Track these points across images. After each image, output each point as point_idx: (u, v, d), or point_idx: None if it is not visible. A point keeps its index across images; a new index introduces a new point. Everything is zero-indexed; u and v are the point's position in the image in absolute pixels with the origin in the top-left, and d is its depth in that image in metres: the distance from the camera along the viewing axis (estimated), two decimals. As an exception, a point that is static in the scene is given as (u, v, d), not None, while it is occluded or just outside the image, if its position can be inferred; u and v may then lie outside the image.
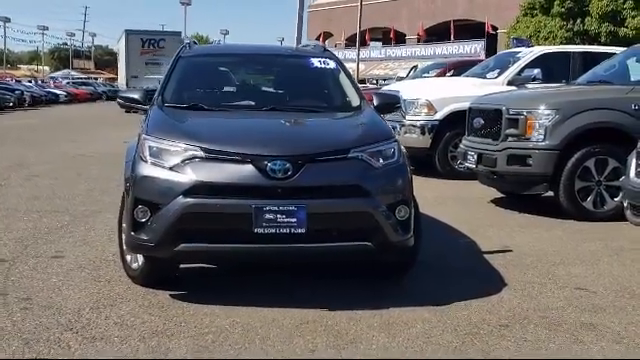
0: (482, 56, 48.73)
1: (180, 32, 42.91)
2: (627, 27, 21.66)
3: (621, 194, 6.91)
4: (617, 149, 8.74)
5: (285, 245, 4.99)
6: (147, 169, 5.15)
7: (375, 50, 62.30)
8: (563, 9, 22.66)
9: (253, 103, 6.29)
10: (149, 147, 5.23)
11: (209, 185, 4.97)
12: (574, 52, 13.25)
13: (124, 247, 5.75)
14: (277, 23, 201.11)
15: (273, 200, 4.94)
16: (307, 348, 4.44)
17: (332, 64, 6.74)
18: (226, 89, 6.67)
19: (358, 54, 38.97)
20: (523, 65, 12.68)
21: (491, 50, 52.07)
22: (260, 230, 4.93)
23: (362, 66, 50.83)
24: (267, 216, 4.92)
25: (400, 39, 59.12)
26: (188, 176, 5.00)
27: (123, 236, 5.59)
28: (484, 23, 51.60)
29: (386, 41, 61.76)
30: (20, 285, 5.61)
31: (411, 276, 5.93)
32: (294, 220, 4.93)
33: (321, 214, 5.00)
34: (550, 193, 9.04)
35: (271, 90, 6.73)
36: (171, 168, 5.08)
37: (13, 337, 4.49)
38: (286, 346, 4.45)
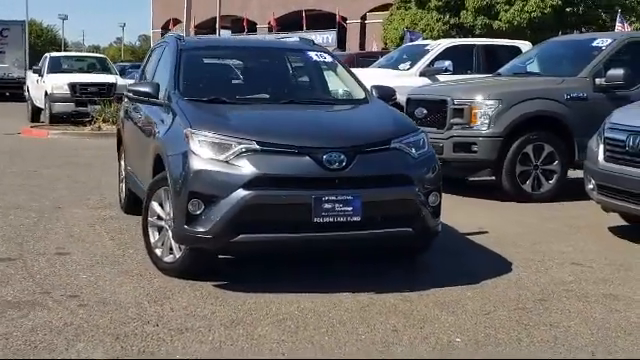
0: (335, 47, 50.08)
1: (24, 21, 40.96)
2: (501, 20, 23.01)
3: (586, 176, 7.57)
4: (552, 136, 9.52)
5: (342, 233, 5.24)
6: (200, 163, 5.21)
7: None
8: (440, 3, 23.75)
9: (267, 96, 6.44)
10: (199, 141, 5.29)
11: (269, 177, 5.12)
12: (477, 45, 14.06)
13: (152, 240, 5.81)
14: (119, 9, 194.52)
15: (330, 190, 5.16)
16: (390, 328, 4.71)
17: (329, 58, 6.99)
18: (236, 82, 6.76)
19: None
20: (433, 57, 13.33)
21: (343, 41, 53.55)
22: (319, 219, 5.14)
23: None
24: (326, 205, 5.14)
25: (252, 28, 59.25)
26: (247, 169, 5.12)
27: (168, 229, 5.61)
28: (334, 13, 52.76)
29: (236, 29, 61.68)
30: (53, 282, 5.53)
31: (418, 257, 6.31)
32: (350, 209, 5.18)
33: (374, 202, 5.28)
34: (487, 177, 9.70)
35: (280, 83, 6.87)
36: (226, 161, 5.18)
37: (97, 333, 4.49)
38: (369, 327, 4.70)
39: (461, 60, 13.63)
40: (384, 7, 52.32)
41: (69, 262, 6.09)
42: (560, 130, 9.55)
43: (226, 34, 63.91)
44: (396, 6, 28.00)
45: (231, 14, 59.76)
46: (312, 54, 6.98)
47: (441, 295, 5.38)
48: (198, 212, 5.19)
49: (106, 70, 22.51)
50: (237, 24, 60.40)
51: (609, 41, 10.04)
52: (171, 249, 5.68)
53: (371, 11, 52.60)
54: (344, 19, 53.60)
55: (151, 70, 7.48)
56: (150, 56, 7.99)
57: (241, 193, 5.07)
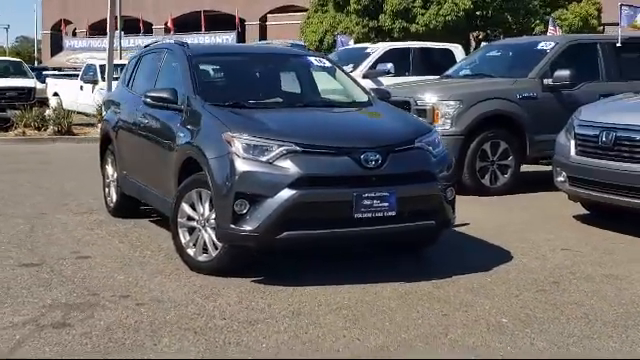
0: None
1: None
2: (418, 24, 23.82)
3: (556, 169, 8.20)
4: (506, 133, 10.17)
5: (380, 227, 5.63)
6: (245, 165, 5.48)
7: (123, 40, 61.02)
8: (359, 6, 24.34)
9: (281, 100, 6.74)
10: (241, 144, 5.55)
11: (313, 177, 5.45)
12: (414, 48, 14.68)
13: (183, 241, 6.03)
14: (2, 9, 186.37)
15: (369, 187, 5.54)
16: (439, 313, 5.12)
17: (328, 63, 7.35)
18: (248, 87, 7.00)
19: (120, 44, 38.21)
20: (374, 60, 13.84)
21: (242, 42, 53.66)
22: (359, 215, 5.52)
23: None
24: (365, 202, 5.52)
25: (148, 29, 58.56)
26: (291, 170, 5.43)
27: (201, 229, 5.84)
28: (232, 15, 52.87)
29: (131, 31, 60.75)
30: (94, 284, 5.68)
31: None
32: (386, 204, 5.58)
33: (406, 198, 5.69)
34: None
35: (290, 88, 7.17)
36: (270, 163, 5.47)
37: (173, 329, 4.72)
38: (420, 313, 5.10)
39: (399, 62, 14.22)
40: (284, 9, 52.94)
41: (95, 265, 6.23)
42: (514, 128, 10.22)
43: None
44: (313, 9, 28.47)
45: (125, 15, 58.76)
46: (312, 59, 7.32)
47: (465, 282, 5.83)
48: (244, 211, 5.46)
49: (22, 74, 22.00)
50: (132, 25, 59.51)
51: (552, 44, 10.79)
52: (205, 248, 5.91)
53: (270, 13, 53.03)
54: (242, 21, 53.75)
55: (146, 77, 7.62)
56: (138, 64, 8.09)
57: (288, 192, 5.37)
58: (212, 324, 4.83)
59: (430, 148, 5.99)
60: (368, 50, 14.25)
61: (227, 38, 53.17)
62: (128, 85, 8.15)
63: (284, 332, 4.72)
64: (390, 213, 5.60)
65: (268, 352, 4.42)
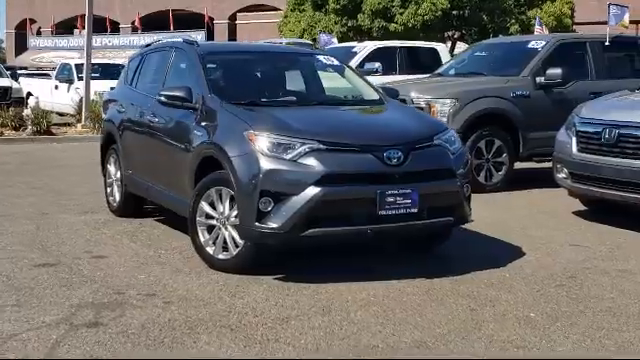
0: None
1: None
2: (396, 23, 23.95)
3: (556, 166, 8.33)
4: (500, 131, 10.29)
5: (402, 223, 5.68)
6: (269, 163, 5.50)
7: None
8: (338, 6, 24.42)
9: (294, 98, 6.76)
10: (265, 142, 5.57)
11: (337, 174, 5.49)
12: (400, 47, 14.77)
13: (202, 240, 6.03)
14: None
15: (392, 185, 5.59)
16: (466, 308, 5.19)
17: (336, 62, 7.38)
18: (262, 85, 7.01)
19: (89, 42, 37.91)
20: (362, 59, 13.90)
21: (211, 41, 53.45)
22: (383, 212, 5.57)
23: (76, 54, 49.31)
24: (389, 199, 5.57)
25: (115, 28, 58.10)
26: (316, 167, 5.46)
27: (221, 227, 5.86)
28: (200, 14, 52.63)
29: (98, 30, 60.17)
30: (117, 283, 5.66)
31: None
32: (409, 201, 5.64)
33: (427, 194, 5.75)
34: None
35: (302, 86, 7.19)
36: (294, 161, 5.49)
37: (209, 326, 4.73)
38: (448, 309, 5.16)
39: (386, 61, 14.30)
40: (253, 8, 52.85)
41: (113, 264, 6.20)
42: (507, 125, 10.33)
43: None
44: (290, 8, 28.48)
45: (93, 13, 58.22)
46: (322, 58, 7.36)
47: (485, 278, 5.91)
48: (269, 209, 5.48)
49: (-4, 74, 21.76)
50: (99, 24, 58.93)
51: (543, 43, 10.93)
52: (225, 246, 5.91)
53: (240, 11, 52.90)
54: (211, 19, 53.53)
55: (154, 77, 7.59)
56: (142, 63, 8.05)
57: (313, 190, 5.40)
58: (246, 321, 4.85)
59: (448, 145, 6.05)
60: (355, 49, 14.31)
61: (196, 37, 52.63)
62: (132, 84, 8.10)
63: (319, 328, 4.74)
64: (412, 210, 5.65)
65: (308, 348, 4.44)
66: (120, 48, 54.60)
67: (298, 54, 7.60)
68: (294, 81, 7.25)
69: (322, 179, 5.43)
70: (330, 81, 7.42)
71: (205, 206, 6.01)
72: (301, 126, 5.78)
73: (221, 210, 5.90)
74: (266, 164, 5.50)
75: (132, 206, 8.01)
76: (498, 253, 6.72)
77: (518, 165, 10.69)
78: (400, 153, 5.64)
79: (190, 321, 4.83)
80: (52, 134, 18.34)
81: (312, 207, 5.41)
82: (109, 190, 8.37)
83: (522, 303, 5.31)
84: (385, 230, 5.67)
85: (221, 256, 5.95)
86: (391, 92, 7.29)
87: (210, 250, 6.00)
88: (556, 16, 25.48)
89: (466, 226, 7.47)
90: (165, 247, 6.78)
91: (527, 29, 25.33)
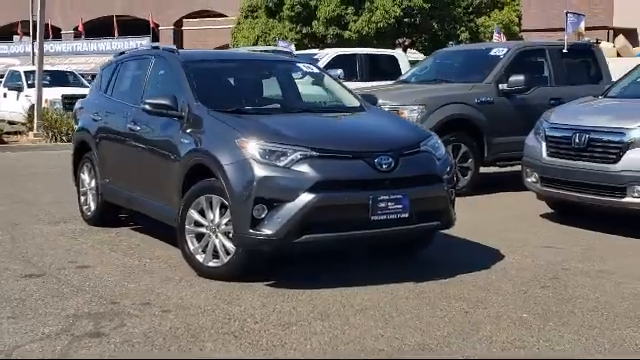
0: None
1: None
2: (350, 30, 24.14)
3: (526, 170, 8.54)
4: (466, 136, 10.49)
5: (394, 228, 5.77)
6: (263, 170, 5.54)
7: (29, 45, 59.39)
8: (292, 13, 24.48)
9: (278, 106, 6.81)
10: (257, 150, 5.61)
11: (330, 181, 5.56)
12: (360, 54, 14.91)
13: (191, 248, 6.02)
14: None
15: (383, 190, 5.68)
16: (460, 310, 5.30)
17: (316, 69, 7.45)
18: (245, 94, 7.02)
19: (33, 49, 37.34)
20: (323, 66, 13.97)
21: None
22: (375, 217, 5.66)
23: (16, 61, 48.45)
24: (381, 204, 5.66)
25: (57, 34, 57.21)
26: (309, 174, 5.52)
27: (211, 235, 5.88)
28: (145, 19, 52.18)
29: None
30: (109, 293, 5.63)
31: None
32: (400, 206, 5.74)
33: (418, 199, 5.86)
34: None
35: (285, 93, 7.23)
36: (287, 168, 5.54)
37: (212, 334, 4.76)
38: (444, 311, 5.26)
39: (347, 68, 14.44)
40: (199, 14, 52.62)
41: (100, 274, 6.16)
42: (473, 131, 10.53)
43: (28, 40, 61.21)
44: (243, 15, 28.45)
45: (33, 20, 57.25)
46: (301, 66, 7.42)
47: (471, 280, 6.04)
48: (263, 216, 5.53)
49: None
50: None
51: (505, 50, 11.17)
52: (215, 254, 5.93)
53: (185, 17, 52.61)
54: (157, 25, 53.10)
55: (132, 85, 7.57)
56: (117, 71, 7.99)
57: (307, 196, 5.46)
58: (248, 328, 4.88)
59: (433, 151, 6.17)
60: (316, 56, 14.39)
61: (141, 43, 52.14)
62: (106, 92, 8.03)
63: (321, 333, 4.80)
64: (403, 215, 5.75)
65: (314, 353, 4.50)
66: (63, 55, 53.90)
67: (278, 62, 7.64)
68: (275, 89, 7.29)
69: (316, 185, 5.50)
70: (311, 88, 7.47)
71: (194, 214, 6.01)
72: (291, 133, 5.83)
73: (211, 218, 5.92)
74: (260, 171, 5.54)
75: (108, 215, 7.95)
76: (478, 256, 6.86)
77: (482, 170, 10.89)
78: (391, 159, 5.74)
79: (192, 329, 4.84)
80: (4, 143, 18.01)
81: (306, 213, 5.47)
82: (82, 199, 8.29)
83: (512, 304, 5.44)
84: (378, 235, 5.76)
85: (211, 264, 5.96)
86: (370, 99, 7.38)
87: (200, 258, 6.01)
88: (504, 24, 26.02)
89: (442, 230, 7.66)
90: (149, 256, 6.75)
91: (476, 36, 25.83)
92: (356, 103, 7.07)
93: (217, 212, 5.88)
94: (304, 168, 5.54)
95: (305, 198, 5.47)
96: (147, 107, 6.46)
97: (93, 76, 40.89)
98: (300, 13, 24.24)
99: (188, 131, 6.24)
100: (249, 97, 6.93)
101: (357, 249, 6.68)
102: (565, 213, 8.70)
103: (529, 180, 8.56)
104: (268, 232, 5.51)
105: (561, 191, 8.11)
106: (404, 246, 6.66)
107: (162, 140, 6.59)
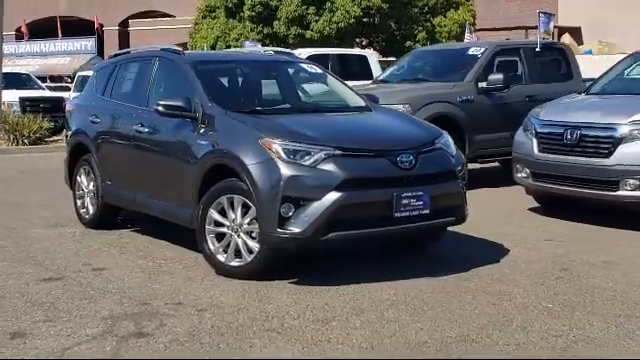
0: (95, 54, 49.15)
1: None
2: (312, 30, 24.22)
3: (516, 166, 8.77)
4: (449, 134, 10.63)
5: (416, 224, 5.91)
6: (290, 169, 5.62)
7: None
8: (253, 13, 24.45)
9: (289, 106, 6.89)
10: (282, 149, 5.68)
11: (356, 179, 5.66)
12: (332, 54, 15.05)
13: (212, 248, 6.08)
14: None
15: (406, 187, 5.82)
16: (488, 302, 5.46)
17: (319, 69, 7.54)
18: (255, 94, 7.07)
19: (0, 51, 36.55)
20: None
21: (101, 48, 52.33)
22: (399, 214, 5.79)
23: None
24: (404, 201, 5.79)
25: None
26: (335, 173, 5.62)
27: (233, 234, 5.95)
28: (90, 20, 51.48)
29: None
30: (138, 294, 5.64)
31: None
32: (421, 203, 5.88)
33: (438, 196, 6.01)
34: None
35: (293, 94, 7.29)
36: (313, 167, 5.63)
37: (257, 331, 4.82)
38: (471, 305, 5.41)
39: (318, 68, 14.52)
40: (145, 14, 52.07)
41: (120, 276, 6.16)
42: (455, 129, 10.70)
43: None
44: (201, 15, 28.28)
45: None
46: (305, 66, 7.51)
47: (487, 274, 6.20)
48: (290, 214, 5.60)
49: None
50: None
51: (482, 49, 11.41)
52: (237, 253, 5.98)
53: (131, 18, 52.02)
54: (102, 26, 52.43)
55: (134, 86, 7.54)
56: (115, 73, 7.95)
57: (335, 195, 5.56)
58: (288, 324, 4.95)
59: (446, 148, 6.32)
60: (288, 57, 14.45)
61: (86, 44, 51.82)
62: (104, 94, 7.99)
63: (361, 328, 4.90)
64: (425, 211, 5.90)
65: (362, 346, 4.59)
66: (6, 56, 52.77)
67: (283, 62, 7.71)
68: (283, 89, 7.35)
69: (342, 184, 5.60)
70: (316, 88, 7.55)
71: (215, 214, 6.05)
72: (313, 133, 5.92)
73: (233, 217, 5.96)
74: (287, 170, 5.61)
75: (107, 218, 7.92)
76: (485, 250, 7.03)
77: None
78: (411, 157, 5.87)
79: (233, 327, 4.89)
80: (-30, 147, 17.68)
81: (333, 211, 5.57)
82: (79, 202, 8.23)
83: (534, 296, 5.62)
84: (401, 231, 5.90)
85: (234, 263, 6.01)
86: (372, 99, 7.50)
87: (221, 257, 6.06)
88: (460, 23, 26.43)
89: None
90: (161, 257, 6.76)
91: (433, 36, 26.19)
92: (361, 102, 7.18)
93: (239, 212, 5.93)
94: (330, 167, 5.63)
95: (332, 196, 5.56)
96: (160, 108, 6.46)
97: (51, 78, 40.00)
98: (261, 13, 24.26)
99: (203, 132, 6.27)
100: (260, 97, 7.00)
101: (369, 246, 6.79)
102: (550, 206, 8.94)
103: (519, 175, 8.78)
104: (296, 230, 5.59)
105: (554, 185, 8.34)
106: (414, 242, 6.78)
107: (175, 141, 6.60)
